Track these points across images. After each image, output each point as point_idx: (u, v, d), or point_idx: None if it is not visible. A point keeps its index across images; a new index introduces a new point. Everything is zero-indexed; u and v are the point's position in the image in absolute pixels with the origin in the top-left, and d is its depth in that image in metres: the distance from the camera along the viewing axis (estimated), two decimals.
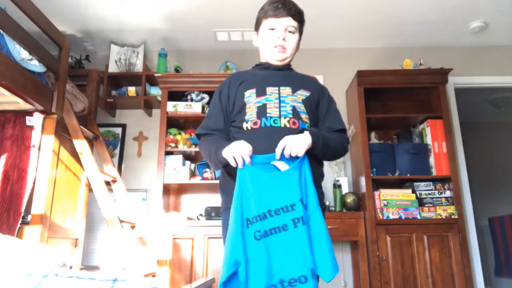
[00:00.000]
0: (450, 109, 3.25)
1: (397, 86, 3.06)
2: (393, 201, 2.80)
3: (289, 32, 1.45)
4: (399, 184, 3.06)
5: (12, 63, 2.03)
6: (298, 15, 1.46)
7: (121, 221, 2.42)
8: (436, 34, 3.36)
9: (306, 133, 1.29)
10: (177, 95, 3.17)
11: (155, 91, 3.34)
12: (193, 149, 3.03)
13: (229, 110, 1.43)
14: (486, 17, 3.11)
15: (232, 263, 1.14)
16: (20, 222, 2.20)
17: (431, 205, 2.81)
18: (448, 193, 2.85)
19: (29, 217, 2.23)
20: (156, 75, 3.10)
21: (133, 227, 2.68)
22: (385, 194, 2.83)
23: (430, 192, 2.85)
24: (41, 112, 2.35)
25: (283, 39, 1.43)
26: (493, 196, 4.96)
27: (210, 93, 3.16)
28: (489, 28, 3.24)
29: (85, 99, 2.85)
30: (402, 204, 2.80)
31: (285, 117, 1.35)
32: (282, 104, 1.37)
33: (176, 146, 3.02)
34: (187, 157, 3.15)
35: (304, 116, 1.38)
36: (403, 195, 2.85)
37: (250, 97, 1.39)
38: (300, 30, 1.50)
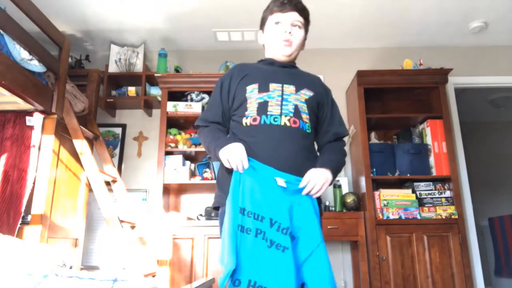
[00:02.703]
0: (450, 109, 3.25)
1: (397, 86, 3.06)
2: (393, 201, 2.80)
3: (295, 26, 1.43)
4: (399, 184, 3.06)
5: (12, 63, 2.03)
6: (304, 11, 1.45)
7: (121, 221, 2.42)
8: (436, 34, 3.36)
9: (329, 173, 1.30)
10: (177, 95, 3.17)
11: (155, 91, 3.34)
12: (193, 149, 3.03)
13: (229, 104, 1.42)
14: (486, 17, 3.11)
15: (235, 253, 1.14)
16: (20, 222, 2.20)
17: (431, 205, 2.80)
18: (448, 193, 2.85)
19: (29, 217, 2.23)
20: (156, 75, 3.10)
21: (133, 227, 2.68)
22: (385, 194, 2.83)
23: (430, 192, 2.85)
24: (41, 112, 2.35)
25: (289, 32, 1.41)
26: (493, 196, 4.95)
27: (210, 93, 3.15)
28: (489, 28, 3.24)
29: (85, 99, 2.85)
30: (402, 204, 2.80)
31: (286, 116, 1.33)
32: (284, 103, 1.35)
33: (176, 146, 3.02)
34: (187, 157, 3.15)
35: (305, 116, 1.37)
36: (403, 195, 2.84)
37: (252, 92, 1.37)
38: (306, 27, 1.48)
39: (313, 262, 1.21)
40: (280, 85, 1.38)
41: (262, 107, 1.34)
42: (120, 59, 3.34)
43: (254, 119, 1.33)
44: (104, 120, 3.39)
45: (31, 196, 2.25)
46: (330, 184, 1.32)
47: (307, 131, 1.36)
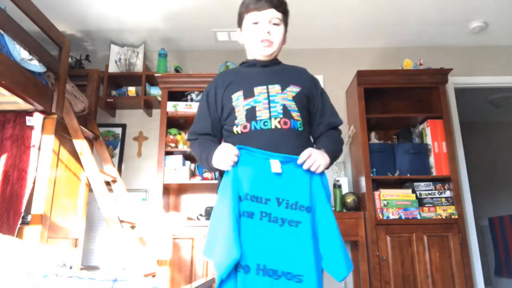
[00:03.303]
0: (450, 109, 3.25)
1: (397, 86, 3.06)
2: (393, 201, 2.80)
3: (274, 24, 1.38)
4: (399, 184, 3.06)
5: (12, 63, 2.03)
6: (281, 6, 1.39)
7: (121, 221, 2.42)
8: (436, 34, 3.36)
9: (325, 154, 1.29)
10: (177, 95, 3.17)
11: (155, 91, 3.34)
12: None
13: (218, 114, 1.40)
14: (486, 17, 3.11)
15: (236, 248, 1.11)
16: (20, 222, 2.20)
17: (431, 205, 2.80)
18: (448, 193, 2.85)
19: (29, 217, 2.23)
20: (156, 75, 3.10)
21: (133, 227, 2.68)
22: (385, 194, 2.83)
23: (430, 192, 2.85)
24: (41, 112, 2.34)
25: (268, 32, 1.37)
26: (493, 196, 4.95)
27: None
28: (489, 28, 3.24)
29: (85, 99, 2.85)
30: (402, 204, 2.80)
31: (275, 118, 1.30)
32: (271, 105, 1.32)
33: (176, 146, 3.02)
34: (187, 157, 3.15)
35: (296, 114, 1.33)
36: (403, 195, 2.84)
37: (238, 100, 1.34)
38: (285, 21, 1.43)
39: (324, 240, 1.19)
40: (265, 87, 1.35)
41: (250, 113, 1.31)
42: (120, 59, 3.34)
43: (245, 127, 1.31)
44: (104, 120, 3.39)
45: (31, 196, 2.25)
46: (327, 167, 1.30)
47: (299, 129, 1.34)
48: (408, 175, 2.88)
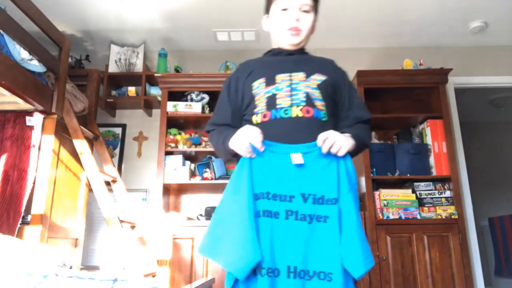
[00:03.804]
0: (450, 109, 3.25)
1: (397, 86, 3.06)
2: (393, 201, 2.80)
3: (304, 11, 1.31)
4: (399, 184, 3.06)
5: (12, 63, 2.03)
6: None
7: (121, 221, 2.42)
8: (436, 34, 3.36)
9: (348, 135, 1.19)
10: (177, 95, 3.17)
11: (155, 91, 3.34)
12: (193, 149, 3.03)
13: (239, 103, 1.32)
14: (486, 17, 3.11)
15: (254, 247, 1.04)
16: (20, 222, 2.20)
17: (431, 205, 2.80)
18: (448, 193, 2.85)
19: (29, 217, 2.23)
20: (156, 75, 3.10)
21: (133, 227, 2.68)
22: (385, 194, 2.83)
23: (430, 192, 2.85)
24: (41, 112, 2.34)
25: (297, 19, 1.29)
26: (493, 196, 4.95)
27: (210, 93, 3.16)
28: (489, 28, 3.24)
29: (85, 99, 2.85)
30: (402, 204, 2.80)
31: (297, 106, 1.22)
32: (294, 92, 1.23)
33: (176, 146, 3.02)
34: (187, 157, 3.14)
35: (319, 103, 1.25)
36: (403, 195, 2.84)
37: (259, 88, 1.27)
38: (315, 8, 1.36)
39: (344, 233, 1.10)
40: (288, 74, 1.27)
41: (271, 101, 1.23)
42: (120, 59, 3.34)
43: (264, 115, 1.23)
44: (104, 120, 3.39)
45: (31, 196, 2.25)
46: (352, 152, 1.19)
47: (323, 119, 1.24)
48: (408, 175, 2.88)
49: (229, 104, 1.34)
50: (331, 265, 1.07)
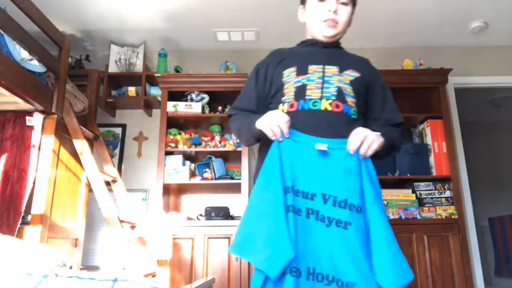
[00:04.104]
0: (450, 109, 3.25)
1: (397, 86, 3.05)
2: (393, 201, 2.80)
3: (342, 3, 1.28)
4: (399, 184, 3.06)
5: (12, 63, 2.03)
6: None
7: (121, 221, 2.42)
8: (436, 34, 3.36)
9: (378, 134, 1.14)
10: (177, 95, 3.17)
11: (155, 91, 3.34)
12: (193, 149, 3.03)
13: (266, 90, 1.29)
14: (486, 17, 3.11)
15: (287, 244, 0.98)
16: (20, 222, 2.20)
17: (431, 205, 2.80)
18: (448, 193, 2.85)
19: (29, 217, 2.23)
20: (156, 75, 3.10)
21: (133, 227, 2.68)
22: (385, 194, 2.82)
23: (430, 192, 2.85)
24: (41, 112, 2.34)
25: (335, 11, 1.26)
26: (493, 196, 4.95)
27: (210, 93, 3.16)
28: (489, 28, 3.23)
29: (85, 99, 2.85)
30: (402, 204, 2.80)
31: (327, 99, 1.18)
32: (325, 85, 1.19)
33: (176, 146, 3.02)
34: (187, 157, 3.14)
35: (350, 100, 1.21)
36: (403, 195, 2.84)
37: (289, 76, 1.23)
38: (354, 1, 1.33)
39: (374, 247, 1.03)
40: (321, 66, 1.23)
41: (300, 91, 1.20)
42: (120, 59, 3.34)
43: (292, 105, 1.20)
44: (104, 120, 3.39)
45: (31, 196, 2.24)
46: (382, 152, 1.15)
47: (352, 116, 1.21)
48: (408, 175, 2.88)
49: (255, 90, 1.31)
50: (352, 274, 1.01)
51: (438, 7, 2.97)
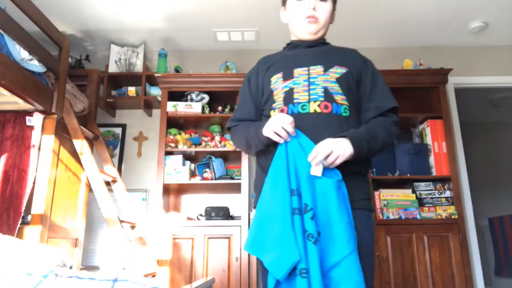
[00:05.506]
0: (450, 109, 3.25)
1: (397, 86, 3.05)
2: (393, 201, 2.80)
3: (321, 0, 1.29)
4: (399, 184, 3.06)
5: (12, 63, 2.03)
6: None
7: (121, 221, 2.42)
8: (436, 34, 3.36)
9: (347, 141, 1.11)
10: (177, 95, 3.17)
11: (155, 91, 3.34)
12: (193, 149, 3.03)
13: (259, 99, 1.31)
14: (486, 17, 3.11)
15: (293, 246, 0.99)
16: (20, 222, 2.20)
17: (431, 205, 2.80)
18: (448, 193, 2.85)
19: (29, 217, 2.23)
20: (156, 75, 3.10)
21: (133, 227, 2.68)
22: (385, 194, 2.83)
23: (430, 192, 2.85)
24: (41, 112, 2.34)
25: (314, 8, 1.27)
26: (493, 196, 4.95)
27: (210, 93, 3.16)
28: (489, 28, 3.24)
29: (85, 99, 2.85)
30: (402, 204, 2.80)
31: (315, 101, 1.18)
32: (311, 87, 1.20)
33: (176, 146, 3.02)
34: (187, 157, 3.14)
35: (339, 97, 1.20)
36: (403, 195, 2.85)
37: (277, 83, 1.25)
38: None
39: (339, 277, 1.02)
40: (306, 68, 1.24)
41: (288, 96, 1.21)
42: (120, 59, 3.34)
43: (282, 111, 1.21)
44: (104, 120, 3.39)
45: (31, 196, 2.25)
46: (351, 157, 1.11)
47: (344, 114, 1.20)
48: (408, 175, 2.88)
49: (251, 100, 1.32)
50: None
51: (438, 7, 2.97)
